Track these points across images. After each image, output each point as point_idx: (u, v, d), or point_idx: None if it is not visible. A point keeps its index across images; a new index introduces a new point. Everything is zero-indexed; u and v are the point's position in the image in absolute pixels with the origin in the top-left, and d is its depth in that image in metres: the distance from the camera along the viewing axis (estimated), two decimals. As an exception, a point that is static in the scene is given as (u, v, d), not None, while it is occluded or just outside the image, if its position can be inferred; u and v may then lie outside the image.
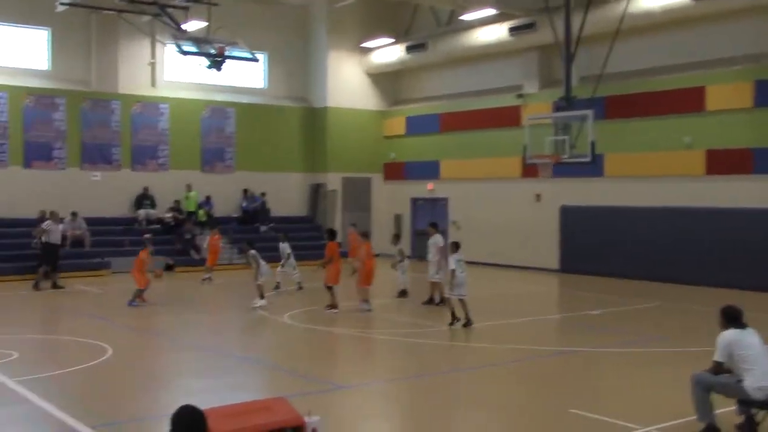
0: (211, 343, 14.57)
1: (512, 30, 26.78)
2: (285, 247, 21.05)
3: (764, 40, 22.18)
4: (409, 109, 32.61)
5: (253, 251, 18.46)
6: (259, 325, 16.73)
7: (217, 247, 24.12)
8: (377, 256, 20.31)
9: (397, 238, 20.78)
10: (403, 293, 19.62)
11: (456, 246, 15.84)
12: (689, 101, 23.15)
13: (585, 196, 25.87)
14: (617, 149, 24.76)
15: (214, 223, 27.54)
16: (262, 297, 18.11)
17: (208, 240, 24.76)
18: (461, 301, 15.62)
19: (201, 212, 28.75)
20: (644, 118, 24.26)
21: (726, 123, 22.47)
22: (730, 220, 22.10)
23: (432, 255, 18.07)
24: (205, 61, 22.58)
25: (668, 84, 23.71)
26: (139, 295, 18.72)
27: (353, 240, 21.60)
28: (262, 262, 18.33)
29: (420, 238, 30.87)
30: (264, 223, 29.88)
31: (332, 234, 18.09)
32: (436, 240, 18.23)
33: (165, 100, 29.15)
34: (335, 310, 17.29)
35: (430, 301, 18.30)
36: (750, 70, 22.06)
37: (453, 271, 15.49)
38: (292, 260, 20.88)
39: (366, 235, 18.32)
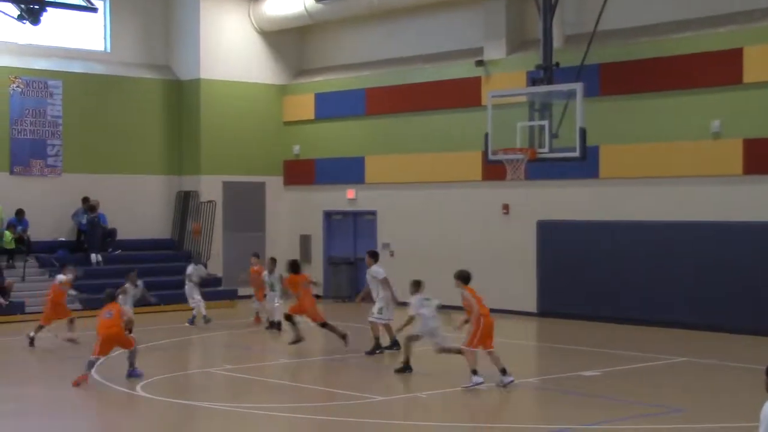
0: None
1: (468, -32, 27.04)
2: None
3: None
4: (320, 82, 32.52)
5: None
6: (99, 401, 16.57)
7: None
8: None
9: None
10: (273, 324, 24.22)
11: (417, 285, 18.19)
12: (719, 70, 23.39)
13: (572, 207, 25.95)
14: (617, 140, 24.99)
15: (29, 249, 26.97)
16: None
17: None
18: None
19: (9, 234, 28.15)
20: (655, 95, 24.49)
21: (771, 101, 22.98)
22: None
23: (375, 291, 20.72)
24: (14, 10, 22.28)
25: (690, 46, 23.96)
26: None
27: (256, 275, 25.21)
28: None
29: (336, 269, 31.03)
30: (100, 250, 29.29)
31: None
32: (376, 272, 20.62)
33: (-46, 67, 28.89)
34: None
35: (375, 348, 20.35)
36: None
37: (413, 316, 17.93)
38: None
39: (464, 278, 18.03)
